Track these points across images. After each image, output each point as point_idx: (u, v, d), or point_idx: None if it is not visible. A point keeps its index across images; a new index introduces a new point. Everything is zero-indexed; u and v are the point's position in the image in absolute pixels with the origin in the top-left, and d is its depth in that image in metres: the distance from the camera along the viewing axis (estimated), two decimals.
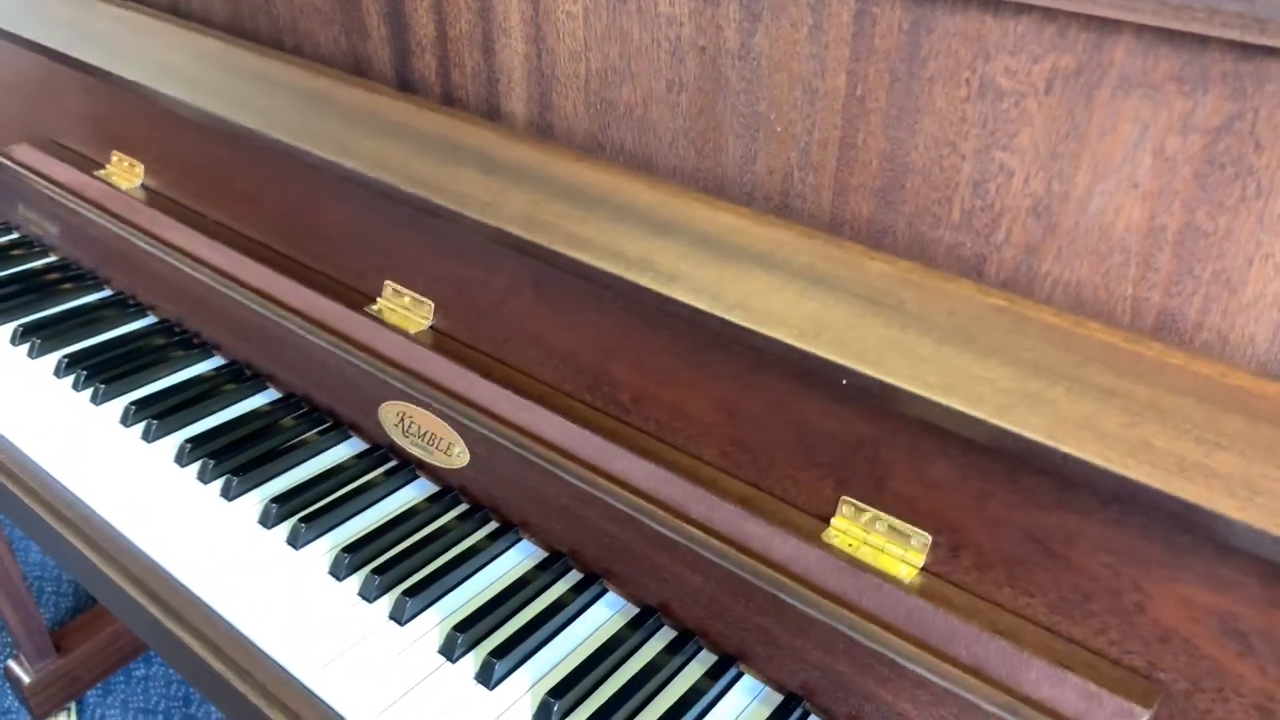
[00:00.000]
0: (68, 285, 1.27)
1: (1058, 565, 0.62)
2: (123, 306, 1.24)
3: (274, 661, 0.83)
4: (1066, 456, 0.59)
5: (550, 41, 0.81)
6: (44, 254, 1.36)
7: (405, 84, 0.94)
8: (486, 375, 0.83)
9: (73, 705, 1.85)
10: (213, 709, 1.86)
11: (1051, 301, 0.62)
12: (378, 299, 0.94)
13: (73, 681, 1.85)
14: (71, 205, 1.14)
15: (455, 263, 0.88)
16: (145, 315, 1.24)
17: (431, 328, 0.90)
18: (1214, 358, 0.57)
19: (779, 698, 0.79)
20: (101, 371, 1.10)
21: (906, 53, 0.63)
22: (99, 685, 1.90)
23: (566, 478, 0.80)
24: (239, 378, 1.12)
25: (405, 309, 0.92)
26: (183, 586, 0.90)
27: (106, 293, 1.28)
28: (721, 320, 0.70)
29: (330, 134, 0.93)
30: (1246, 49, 0.51)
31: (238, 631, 0.85)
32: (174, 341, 1.18)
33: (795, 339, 0.67)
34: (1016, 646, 0.61)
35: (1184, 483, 0.56)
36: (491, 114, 0.88)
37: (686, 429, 0.77)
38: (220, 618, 0.87)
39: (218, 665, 0.84)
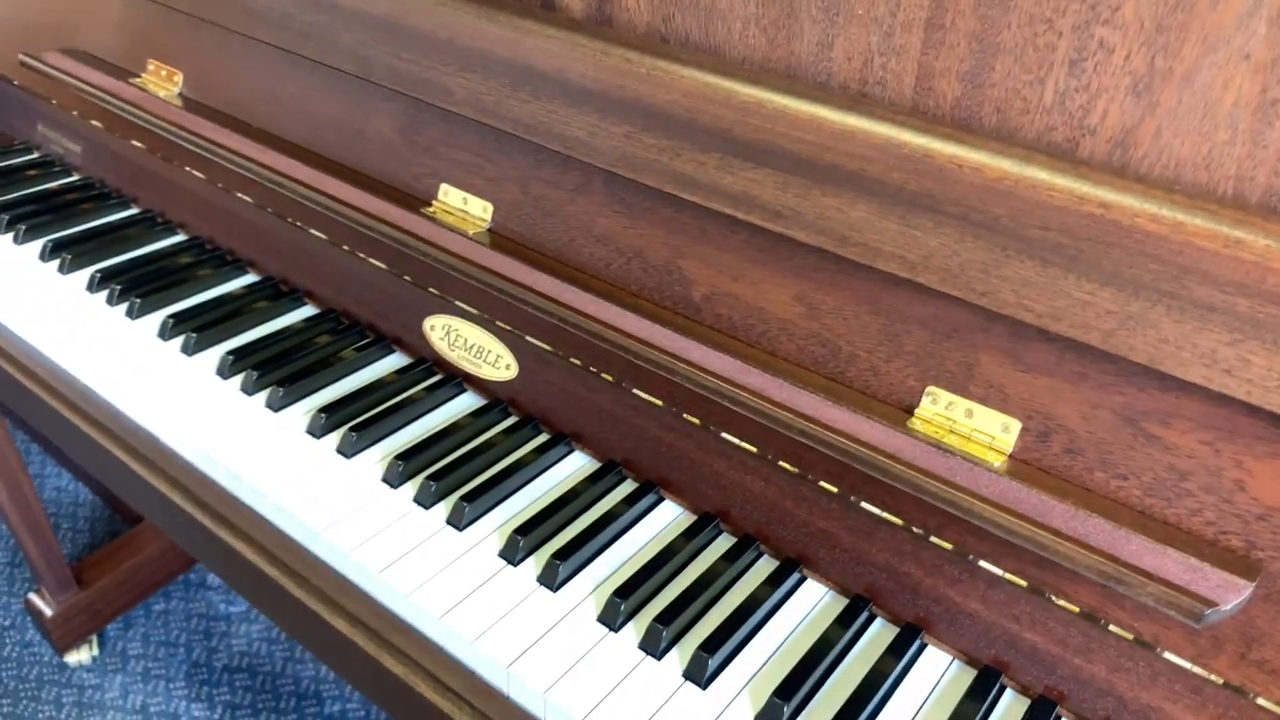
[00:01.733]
0: (93, 204, 1.24)
1: (1154, 446, 0.61)
2: (151, 224, 1.22)
3: (329, 567, 0.82)
4: (1167, 377, 0.58)
5: None
6: (66, 173, 1.33)
7: None
8: (551, 272, 0.81)
9: (94, 638, 1.85)
10: (233, 641, 1.86)
11: (1148, 181, 0.61)
12: (433, 202, 0.91)
13: (93, 615, 1.85)
14: (108, 108, 1.11)
15: (521, 163, 0.86)
16: (175, 233, 1.21)
17: (490, 230, 0.88)
18: None
19: (845, 600, 0.79)
20: (136, 286, 1.08)
21: None
22: (119, 619, 1.90)
23: (642, 365, 0.78)
24: (275, 294, 1.10)
25: (462, 211, 0.90)
26: (232, 495, 0.88)
27: (134, 211, 1.26)
28: (834, 256, 0.69)
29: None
30: None
31: (290, 538, 0.84)
32: (206, 259, 1.16)
33: (905, 271, 0.66)
34: (1114, 524, 0.60)
35: None
36: (545, 8, 0.85)
37: (761, 325, 0.75)
38: (271, 525, 0.86)
39: (272, 571, 0.83)
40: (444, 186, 0.92)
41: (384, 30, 0.89)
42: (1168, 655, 0.64)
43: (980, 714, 0.70)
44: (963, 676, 0.74)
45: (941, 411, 0.69)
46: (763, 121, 0.70)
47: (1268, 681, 0.61)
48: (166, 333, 1.02)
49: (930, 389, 0.69)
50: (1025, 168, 0.61)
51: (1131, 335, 0.59)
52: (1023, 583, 0.69)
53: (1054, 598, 0.68)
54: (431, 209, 0.91)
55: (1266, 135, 0.57)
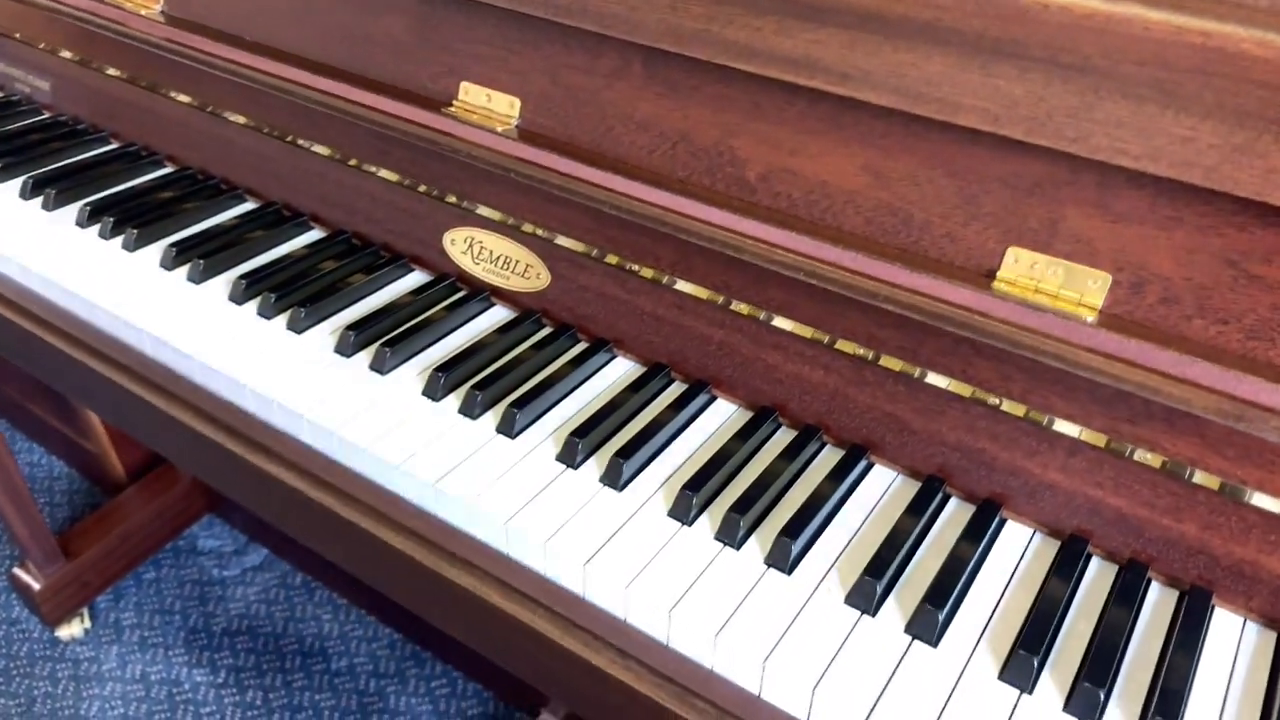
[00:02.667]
0: (68, 141, 1.17)
1: (1256, 286, 0.60)
2: (135, 158, 1.15)
3: (377, 484, 0.78)
4: (1270, 211, 0.57)
5: None
6: (36, 112, 1.25)
7: None
8: (592, 162, 0.77)
9: (85, 611, 1.79)
10: (230, 605, 1.81)
11: (1241, 5, 0.58)
12: (453, 102, 0.87)
13: (83, 586, 1.78)
14: (87, 30, 1.04)
15: (549, 52, 0.82)
16: (161, 165, 1.15)
17: (518, 126, 0.84)
18: None
19: (917, 484, 0.77)
20: (132, 218, 1.02)
21: None
22: (109, 590, 1.84)
23: (704, 244, 0.75)
24: (278, 220, 1.05)
25: (486, 109, 0.85)
26: (263, 420, 0.84)
27: (114, 146, 1.19)
28: (911, 115, 0.66)
29: None
30: None
31: (331, 458, 0.80)
32: (199, 189, 1.10)
33: (989, 124, 0.63)
34: (1222, 367, 0.58)
35: None
36: None
37: (825, 201, 0.72)
38: (309, 446, 0.81)
39: (317, 494, 0.79)
40: (464, 84, 0.87)
41: None
42: (1269, 503, 0.63)
43: (1069, 586, 0.69)
44: (1046, 549, 0.72)
45: (1026, 272, 0.66)
46: None
47: None
48: (170, 262, 0.97)
49: (1012, 249, 0.67)
50: (1116, 2, 0.59)
51: (1237, 169, 0.57)
52: (1107, 444, 0.67)
53: (1143, 454, 0.66)
54: (453, 109, 0.87)
55: None
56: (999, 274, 0.67)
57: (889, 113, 0.68)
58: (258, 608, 1.81)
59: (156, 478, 1.89)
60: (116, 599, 1.83)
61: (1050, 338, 0.62)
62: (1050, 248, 0.66)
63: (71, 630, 1.76)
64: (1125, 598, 0.68)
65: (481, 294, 0.94)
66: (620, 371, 0.87)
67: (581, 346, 0.89)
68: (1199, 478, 0.65)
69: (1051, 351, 0.62)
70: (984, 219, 0.67)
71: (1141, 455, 0.67)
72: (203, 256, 0.96)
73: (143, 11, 1.03)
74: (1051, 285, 0.65)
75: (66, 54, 1.17)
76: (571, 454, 0.76)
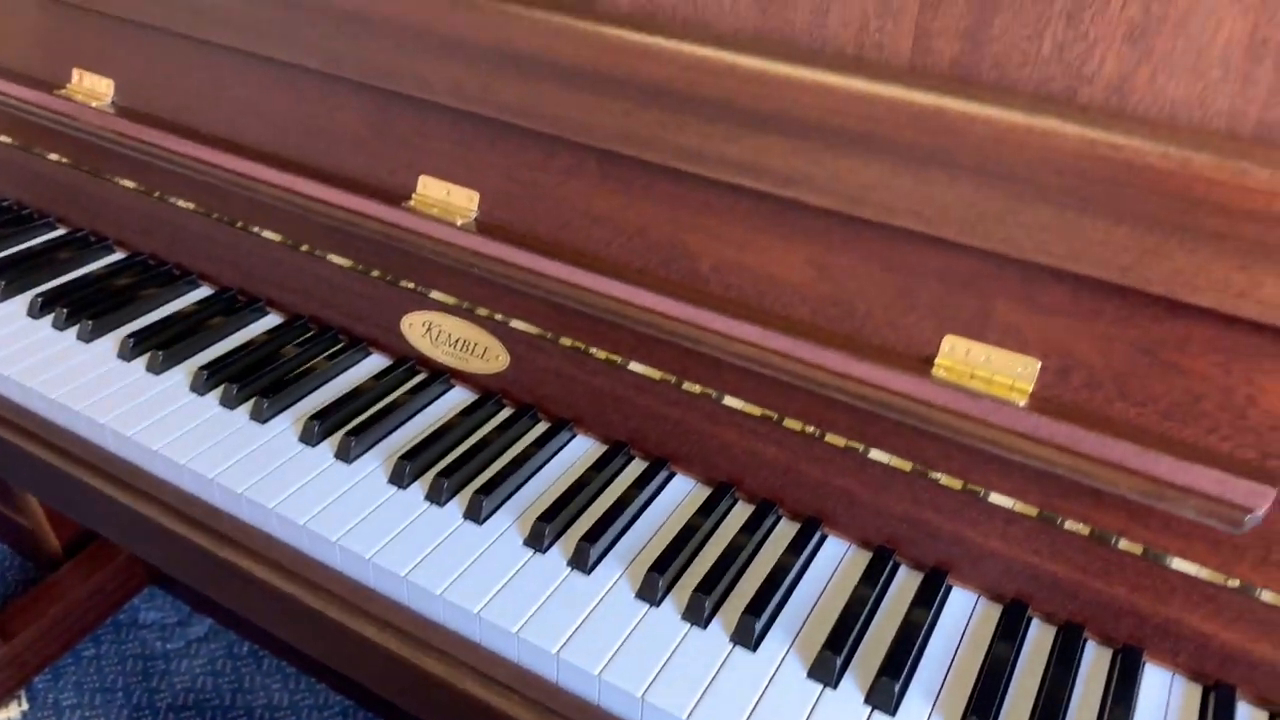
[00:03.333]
0: (13, 228, 1.17)
1: (1170, 372, 0.65)
2: (84, 244, 1.15)
3: (346, 575, 0.80)
4: (1179, 304, 0.62)
5: None
6: None
7: None
8: (550, 255, 0.81)
9: (21, 693, 1.74)
10: (175, 679, 1.78)
11: (1147, 121, 0.64)
12: (411, 195, 0.89)
13: (19, 668, 1.74)
14: (30, 119, 1.05)
15: (506, 149, 0.85)
16: (112, 251, 1.15)
17: (477, 219, 0.87)
18: None
19: (869, 554, 0.81)
20: (86, 308, 1.02)
21: None
22: (47, 670, 1.79)
23: (659, 336, 0.78)
24: (235, 306, 1.06)
25: (445, 202, 0.88)
26: (229, 512, 0.85)
27: (62, 232, 1.19)
28: (844, 216, 0.71)
29: (345, 47, 0.88)
30: None
31: (300, 550, 0.82)
32: (152, 275, 1.10)
33: (922, 226, 0.68)
34: (1142, 447, 0.63)
35: None
36: None
37: (773, 291, 0.77)
38: (277, 539, 0.83)
39: (290, 588, 0.80)
40: (423, 178, 0.90)
41: (353, 22, 0.87)
42: (1188, 568, 0.68)
43: (1014, 648, 0.73)
44: (991, 613, 0.77)
45: (961, 358, 0.71)
46: (769, 91, 0.71)
47: None
48: (128, 353, 0.97)
49: (948, 337, 0.72)
50: (1036, 118, 0.64)
51: (1148, 269, 0.63)
52: (1040, 515, 0.72)
53: (1073, 525, 0.71)
54: (411, 202, 0.90)
55: (1256, 72, 0.61)
56: (937, 360, 0.72)
57: (831, 211, 0.73)
58: (204, 680, 1.78)
59: (95, 552, 1.86)
60: (55, 678, 1.78)
61: (985, 424, 0.67)
62: (983, 336, 0.71)
63: (8, 713, 1.71)
64: (1065, 657, 0.72)
65: (442, 376, 0.97)
66: (582, 451, 0.90)
67: (543, 427, 0.92)
68: (1125, 544, 0.70)
69: (986, 437, 0.67)
70: (921, 309, 0.72)
71: (1072, 525, 0.72)
72: (161, 346, 0.97)
73: (94, 103, 1.04)
74: (985, 371, 0.71)
75: (4, 138, 1.17)
76: (539, 539, 0.79)
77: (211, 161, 0.93)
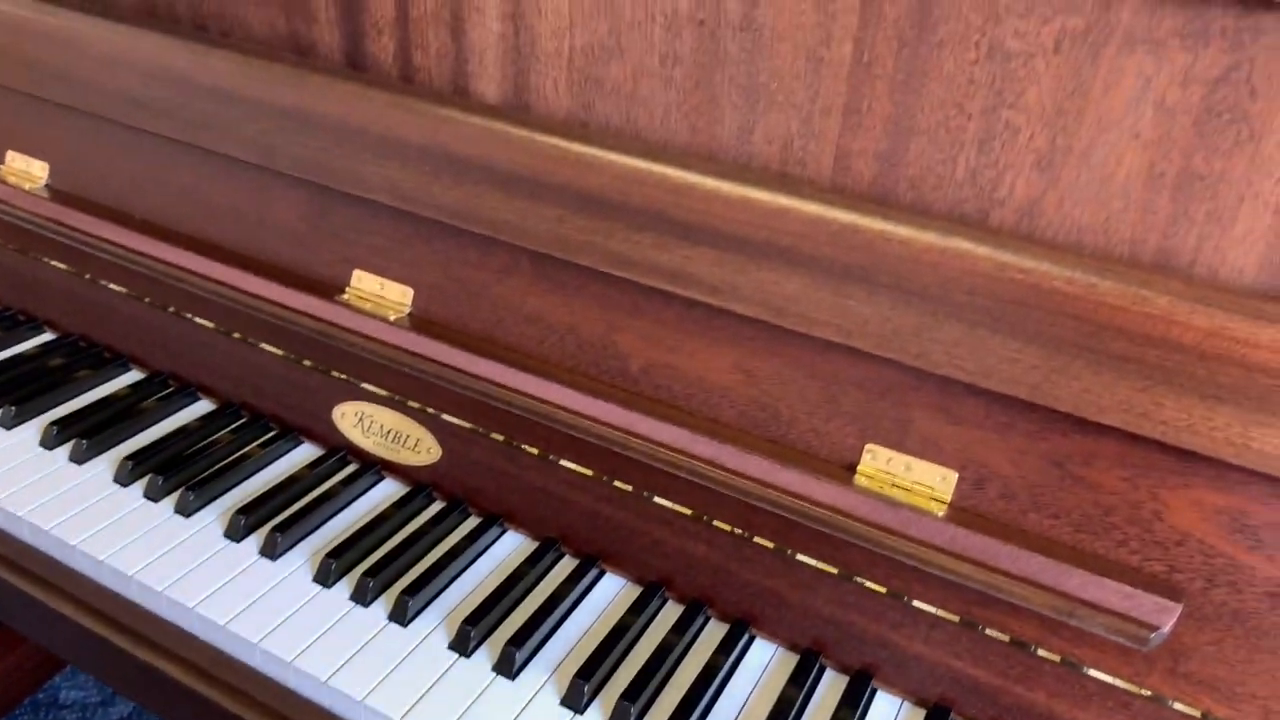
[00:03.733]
0: None
1: (1080, 486, 0.67)
2: (11, 324, 1.14)
3: (270, 679, 0.78)
4: (1088, 422, 0.65)
5: (530, 19, 0.80)
6: None
7: (357, 68, 0.91)
8: (484, 353, 0.81)
9: None
10: None
11: (1053, 246, 0.67)
12: (345, 289, 0.90)
13: None
14: None
15: (441, 247, 0.86)
16: (40, 332, 1.14)
17: (410, 314, 0.87)
18: (1208, 288, 0.63)
19: (796, 656, 0.81)
20: (7, 392, 1.00)
21: (916, 19, 0.66)
22: None
23: (588, 440, 0.79)
24: (164, 391, 1.05)
25: (379, 297, 0.88)
26: (148, 610, 0.83)
27: None
28: (769, 325, 0.73)
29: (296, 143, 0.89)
30: (1246, 3, 0.57)
31: (222, 651, 0.80)
32: (81, 358, 1.09)
33: (841, 338, 0.70)
34: (1055, 560, 0.65)
35: (1191, 437, 0.62)
36: (458, 95, 0.86)
37: (702, 394, 0.78)
38: (199, 639, 0.81)
39: (209, 692, 0.79)
40: (357, 272, 0.90)
41: (291, 119, 0.88)
42: (1103, 676, 0.70)
43: None
44: (915, 717, 0.77)
45: (882, 467, 0.73)
46: (696, 203, 0.73)
47: (1196, 691, 0.67)
48: (51, 441, 0.95)
49: (870, 446, 0.73)
50: (950, 239, 0.67)
51: (1056, 387, 0.65)
52: (962, 620, 0.73)
53: (993, 632, 0.73)
54: (345, 295, 0.90)
55: (1155, 203, 0.64)
56: (859, 468, 0.73)
57: (757, 319, 0.75)
58: None
59: (10, 630, 1.79)
60: None
61: (905, 537, 0.68)
62: (903, 445, 0.72)
63: None
64: None
65: (373, 467, 0.96)
66: (512, 547, 0.90)
67: (474, 522, 0.92)
68: (1043, 652, 0.72)
69: (904, 550, 0.68)
70: (844, 417, 0.74)
71: (992, 631, 0.73)
72: (85, 434, 0.95)
73: (27, 186, 1.04)
74: (905, 480, 0.72)
75: None
76: (464, 642, 0.78)
77: (143, 251, 0.93)
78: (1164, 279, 0.62)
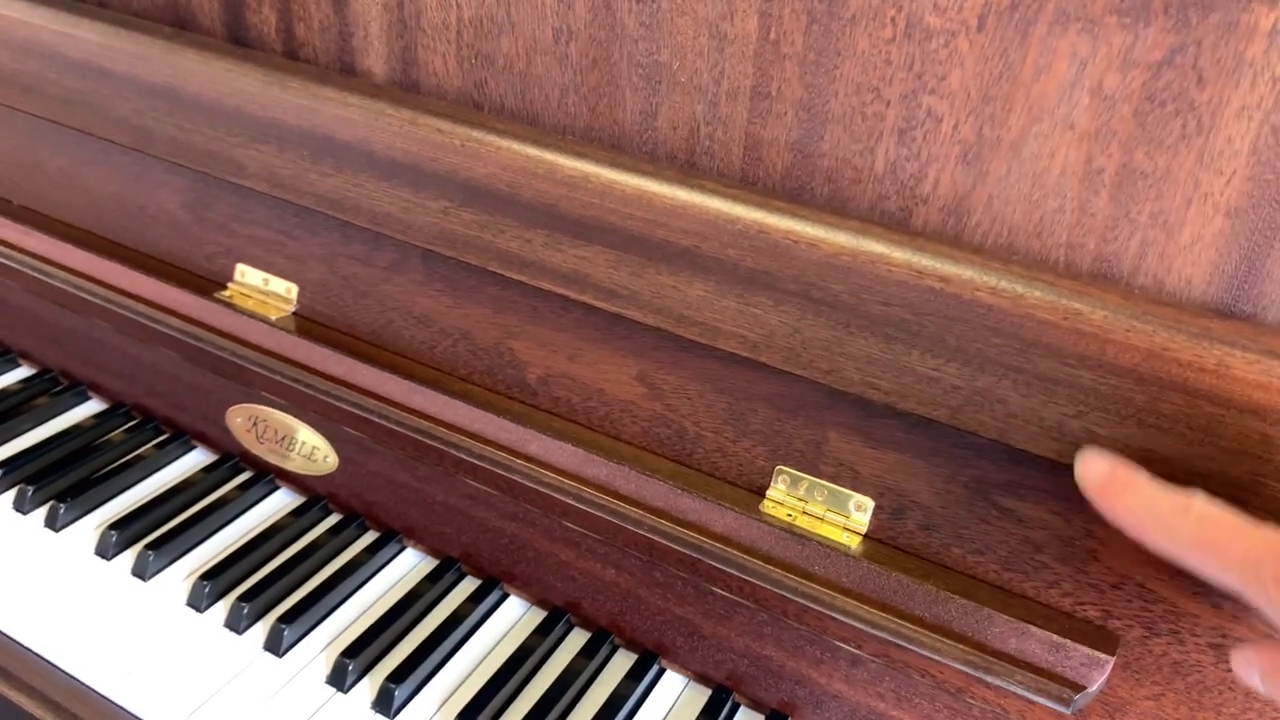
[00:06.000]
0: None
1: (1008, 519, 0.60)
2: None
3: (131, 715, 0.71)
4: (1017, 449, 0.57)
5: None
6: None
7: (240, 42, 0.83)
8: (368, 359, 0.74)
9: None
10: None
11: (983, 250, 0.60)
12: (229, 284, 0.82)
13: None
14: None
15: (327, 239, 0.78)
16: None
17: (295, 313, 0.80)
18: (1150, 302, 0.55)
19: (708, 691, 0.74)
20: None
21: None
22: None
23: (476, 462, 0.72)
24: (53, 389, 0.98)
25: (262, 294, 0.81)
26: (5, 635, 0.76)
27: None
28: (673, 335, 0.65)
29: (173, 122, 0.81)
30: None
31: (82, 684, 0.73)
32: None
33: (747, 351, 0.62)
34: (975, 604, 0.58)
35: None
36: (345, 73, 0.78)
37: (603, 408, 0.70)
38: (57, 669, 0.74)
39: None
40: (240, 266, 0.83)
41: (163, 98, 0.80)
42: None
43: None
44: None
45: (793, 492, 0.65)
46: (590, 196, 0.66)
47: None
48: None
49: (780, 468, 0.66)
50: (862, 241, 0.59)
51: (979, 411, 0.58)
52: (885, 661, 0.67)
53: (918, 675, 0.66)
54: (228, 292, 0.82)
55: (1093, 203, 0.57)
56: (769, 492, 0.66)
57: (658, 327, 0.67)
58: None
59: None
60: None
61: (811, 578, 0.61)
62: (816, 469, 0.65)
63: None
64: None
65: (267, 476, 0.89)
66: (409, 567, 0.83)
67: (370, 538, 0.85)
68: (970, 700, 0.65)
69: (810, 594, 0.61)
70: (752, 436, 0.67)
71: (915, 674, 0.66)
72: None
73: None
74: (818, 507, 0.65)
75: None
76: (342, 676, 0.72)
77: (7, 241, 0.85)
78: (1099, 291, 0.55)
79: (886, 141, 0.61)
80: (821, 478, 0.65)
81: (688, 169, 0.67)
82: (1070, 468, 0.56)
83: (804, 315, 0.61)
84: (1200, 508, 0.48)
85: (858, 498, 0.64)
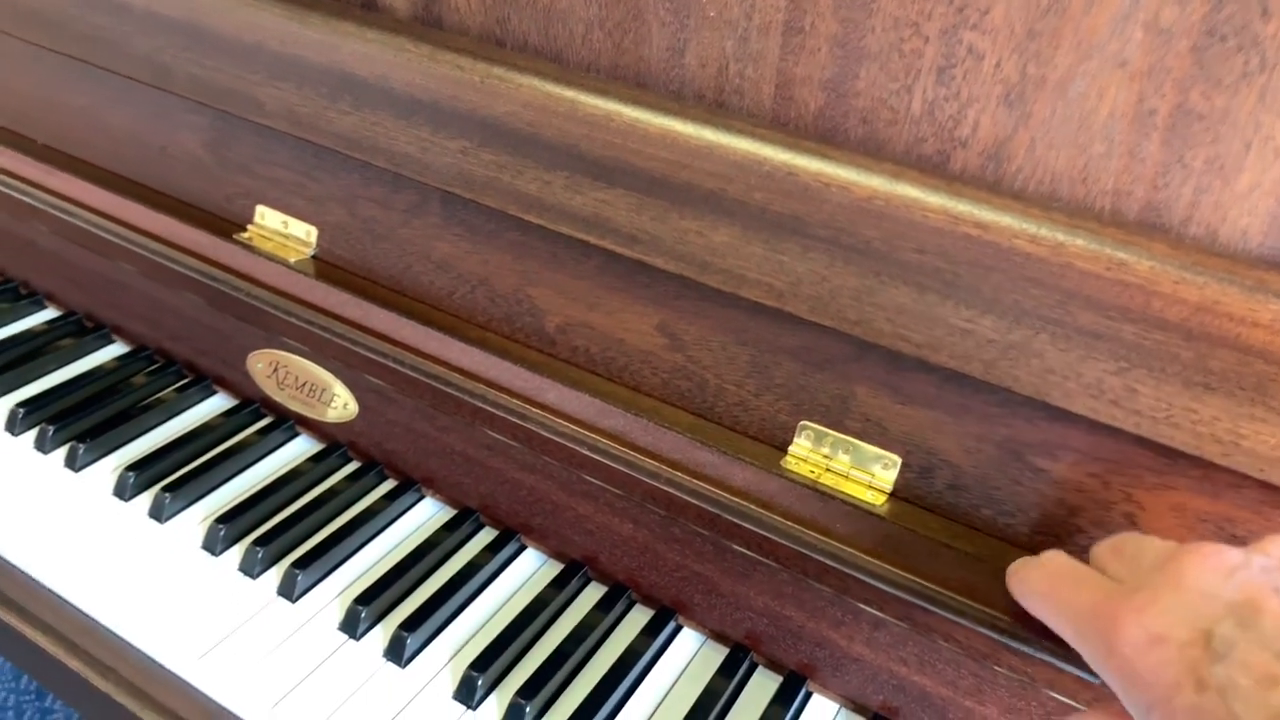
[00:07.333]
0: None
1: (1041, 480, 0.57)
2: None
3: (141, 653, 0.71)
4: (1053, 407, 0.54)
5: None
6: None
7: None
8: (385, 304, 0.72)
9: None
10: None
11: (1023, 197, 0.56)
12: (248, 226, 0.81)
13: None
14: None
15: (347, 181, 0.77)
16: None
17: (314, 256, 0.78)
18: (1202, 253, 0.52)
19: (725, 650, 0.73)
20: None
21: None
22: None
23: (491, 410, 0.70)
24: (78, 331, 0.97)
25: (282, 236, 0.80)
26: (23, 573, 0.76)
27: None
28: (695, 283, 0.63)
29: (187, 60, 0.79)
30: None
31: (95, 621, 0.73)
32: None
33: (773, 300, 0.60)
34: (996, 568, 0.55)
35: (1171, 431, 0.52)
36: (366, 8, 0.76)
37: (622, 358, 0.68)
38: (72, 607, 0.74)
39: (74, 663, 0.72)
40: (260, 208, 0.82)
41: (182, 34, 0.78)
42: (1063, 698, 0.61)
43: None
44: None
45: (817, 448, 0.63)
46: (613, 136, 0.63)
47: None
48: None
49: (804, 423, 0.64)
50: (896, 185, 0.56)
51: (1015, 365, 0.55)
52: (908, 625, 0.64)
53: (943, 640, 0.63)
54: (247, 234, 0.81)
55: (1143, 147, 0.53)
56: (791, 448, 0.64)
57: (680, 275, 0.65)
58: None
59: None
60: None
61: (832, 535, 0.59)
62: (841, 425, 0.63)
63: None
64: None
65: (287, 421, 0.88)
66: (427, 515, 0.82)
67: (389, 486, 0.84)
68: (997, 666, 0.62)
69: (831, 552, 0.59)
70: (776, 390, 0.64)
71: (940, 640, 0.64)
72: None
73: None
74: (843, 464, 0.62)
75: None
76: (354, 623, 0.71)
77: (31, 179, 0.84)
78: (1146, 241, 0.51)
79: (924, 80, 0.57)
80: (847, 433, 0.63)
81: (715, 108, 0.64)
82: (1110, 427, 0.53)
83: (833, 262, 0.58)
84: (1053, 559, 0.50)
85: (885, 455, 0.62)
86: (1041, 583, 0.49)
